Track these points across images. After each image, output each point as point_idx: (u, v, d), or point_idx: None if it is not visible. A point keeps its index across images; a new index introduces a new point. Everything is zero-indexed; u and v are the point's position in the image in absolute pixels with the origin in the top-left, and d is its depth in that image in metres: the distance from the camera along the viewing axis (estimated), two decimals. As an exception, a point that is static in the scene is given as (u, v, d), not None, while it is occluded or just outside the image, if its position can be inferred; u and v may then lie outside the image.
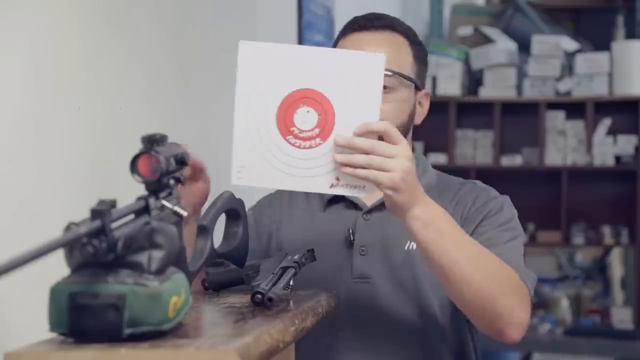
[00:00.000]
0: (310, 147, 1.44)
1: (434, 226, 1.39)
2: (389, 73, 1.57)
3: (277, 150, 1.44)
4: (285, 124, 1.44)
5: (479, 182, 1.70)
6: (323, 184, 1.44)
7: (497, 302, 1.43)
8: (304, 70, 1.43)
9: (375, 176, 1.35)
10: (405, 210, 1.38)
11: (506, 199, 1.65)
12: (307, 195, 1.72)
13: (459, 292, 1.45)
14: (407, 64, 1.63)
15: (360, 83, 1.42)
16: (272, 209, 1.74)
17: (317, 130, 1.43)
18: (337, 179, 1.44)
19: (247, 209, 1.74)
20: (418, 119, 1.68)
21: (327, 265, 1.64)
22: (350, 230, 1.65)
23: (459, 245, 1.41)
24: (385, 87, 1.54)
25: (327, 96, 1.43)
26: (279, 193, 1.75)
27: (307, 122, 1.43)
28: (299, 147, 1.44)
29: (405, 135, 1.60)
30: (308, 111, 1.43)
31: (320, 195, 1.70)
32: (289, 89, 1.43)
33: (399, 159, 1.35)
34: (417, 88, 1.65)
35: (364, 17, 1.66)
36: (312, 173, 1.44)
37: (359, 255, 1.64)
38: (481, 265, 1.42)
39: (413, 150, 1.70)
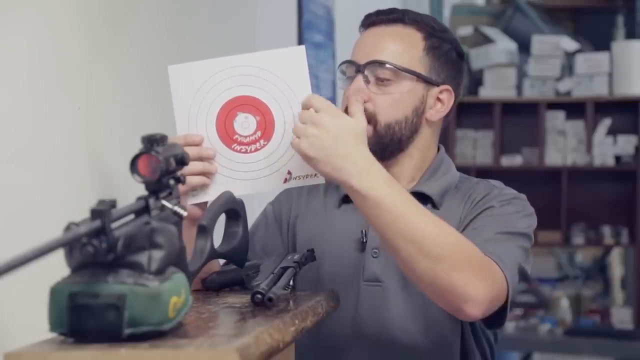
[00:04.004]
0: (256, 149, 1.51)
1: (372, 198, 1.35)
2: (383, 64, 1.56)
3: (225, 161, 1.51)
4: (227, 134, 1.51)
5: (494, 181, 1.64)
6: (277, 181, 1.51)
7: (448, 278, 1.35)
8: (232, 80, 1.50)
9: (297, 145, 1.39)
10: (341, 182, 1.38)
11: (519, 197, 1.60)
12: (325, 190, 1.70)
13: (406, 269, 1.40)
14: (413, 57, 1.58)
15: (288, 78, 1.49)
16: (291, 202, 1.72)
17: (258, 133, 1.51)
18: (289, 172, 1.51)
19: (258, 207, 1.76)
20: (435, 116, 1.61)
21: (339, 266, 1.62)
22: (364, 232, 1.61)
23: (402, 218, 1.35)
24: (381, 80, 1.56)
25: (260, 99, 1.50)
26: (299, 187, 1.69)
27: (247, 128, 1.50)
28: (245, 152, 1.51)
29: (415, 131, 1.60)
30: (246, 117, 1.51)
31: (337, 191, 1.67)
32: (222, 100, 1.50)
33: (307, 127, 1.38)
34: (431, 83, 1.60)
35: (377, 11, 1.64)
36: (264, 173, 1.51)
37: (371, 258, 1.60)
38: (429, 240, 1.35)
39: (439, 150, 1.68)
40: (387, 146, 1.58)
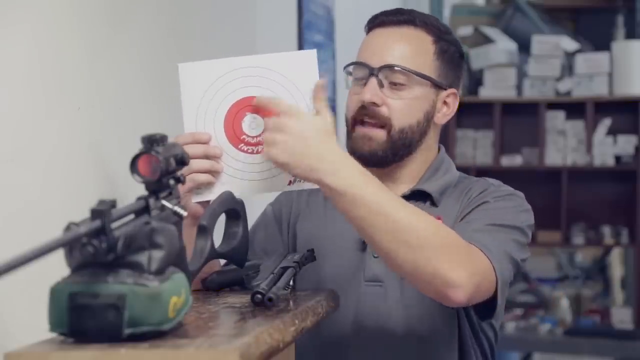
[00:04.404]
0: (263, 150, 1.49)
1: (350, 195, 1.33)
2: (399, 69, 1.56)
3: (232, 160, 1.51)
4: (234, 133, 1.51)
5: (495, 181, 1.65)
6: (282, 183, 1.51)
7: (429, 266, 1.35)
8: (243, 80, 1.49)
9: (267, 152, 1.37)
10: (316, 182, 1.36)
11: (516, 194, 1.60)
12: None
13: (388, 260, 1.39)
14: (425, 61, 1.59)
15: (298, 81, 1.48)
16: (291, 202, 1.72)
17: None
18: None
19: (258, 208, 1.76)
20: (441, 119, 1.63)
21: (339, 266, 1.62)
22: None
23: (380, 212, 1.34)
24: (395, 84, 1.56)
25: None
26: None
27: (255, 129, 1.50)
28: (252, 153, 1.51)
29: (423, 135, 1.61)
30: (254, 118, 1.50)
31: None
32: (231, 100, 1.50)
33: (273, 133, 1.35)
34: (440, 87, 1.61)
35: (385, 12, 1.63)
36: (270, 174, 1.51)
37: (372, 258, 1.60)
38: (408, 231, 1.34)
39: (439, 151, 1.69)
40: (398, 150, 1.59)
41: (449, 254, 1.36)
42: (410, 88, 1.58)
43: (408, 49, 1.58)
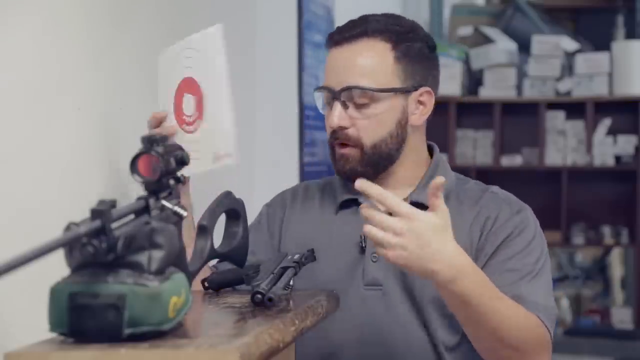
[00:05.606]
0: (195, 129, 1.53)
1: (461, 298, 1.38)
2: (358, 91, 1.54)
3: (180, 142, 1.51)
4: (178, 113, 1.55)
5: (498, 191, 1.64)
6: (207, 162, 1.51)
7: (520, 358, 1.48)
8: (181, 63, 1.55)
9: (384, 254, 1.34)
10: (435, 282, 1.38)
11: (528, 212, 1.61)
12: (322, 196, 1.70)
13: (481, 350, 1.50)
14: (385, 71, 1.55)
15: (209, 59, 1.52)
16: (285, 206, 1.71)
17: (196, 113, 1.54)
18: (219, 152, 1.51)
19: (258, 207, 1.76)
20: (418, 120, 1.59)
21: (338, 270, 1.61)
22: (363, 236, 1.60)
23: (486, 314, 1.41)
24: (360, 105, 1.55)
25: (195, 79, 1.54)
26: (294, 190, 1.73)
27: (190, 108, 1.54)
28: (190, 132, 1.54)
29: (402, 141, 1.59)
30: (189, 98, 1.54)
31: (334, 198, 1.67)
32: (175, 83, 1.55)
33: (390, 236, 1.32)
34: (408, 91, 1.57)
35: (338, 28, 1.60)
36: (199, 155, 1.50)
37: (371, 262, 1.60)
38: (510, 333, 1.44)
39: (431, 150, 1.68)
40: (377, 163, 1.58)
41: (534, 348, 1.49)
42: (375, 103, 1.55)
43: (365, 64, 1.55)
